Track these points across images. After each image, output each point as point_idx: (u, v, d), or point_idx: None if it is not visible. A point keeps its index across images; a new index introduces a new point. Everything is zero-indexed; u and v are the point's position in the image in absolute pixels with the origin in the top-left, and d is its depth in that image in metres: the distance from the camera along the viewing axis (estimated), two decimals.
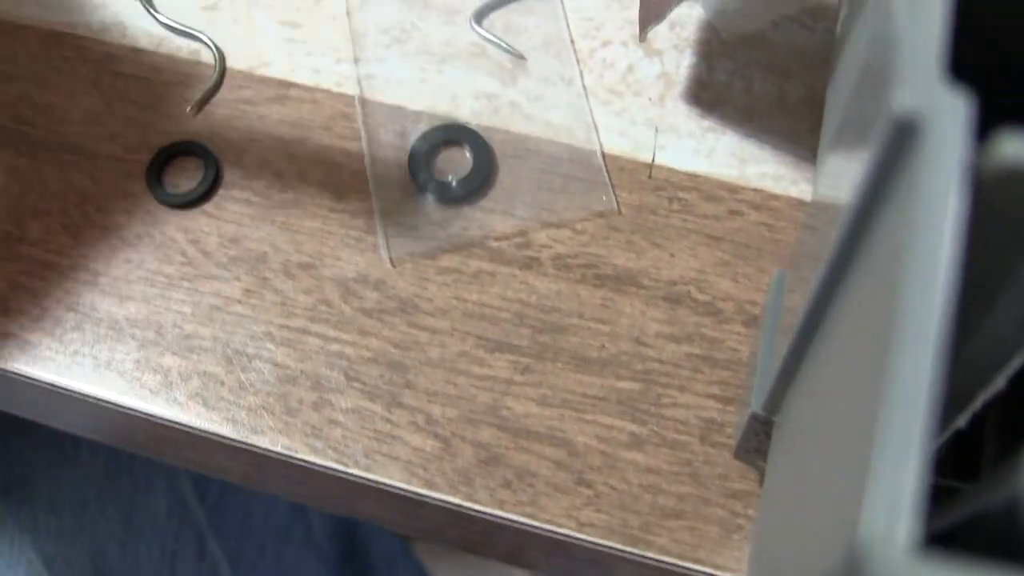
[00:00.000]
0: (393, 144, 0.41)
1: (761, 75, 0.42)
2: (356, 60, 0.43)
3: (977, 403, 0.25)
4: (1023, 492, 0.19)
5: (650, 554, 0.35)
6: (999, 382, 0.24)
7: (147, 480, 0.67)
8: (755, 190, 0.40)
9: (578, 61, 0.43)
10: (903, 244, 0.16)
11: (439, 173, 0.41)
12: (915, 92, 0.17)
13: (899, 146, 0.17)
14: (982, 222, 0.17)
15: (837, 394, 0.22)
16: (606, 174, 0.40)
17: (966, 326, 0.22)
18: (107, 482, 0.67)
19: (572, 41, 0.43)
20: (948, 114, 0.17)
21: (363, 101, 0.42)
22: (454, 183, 0.40)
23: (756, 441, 0.32)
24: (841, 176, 0.24)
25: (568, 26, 0.44)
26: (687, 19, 0.44)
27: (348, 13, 0.44)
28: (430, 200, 0.40)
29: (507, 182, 0.40)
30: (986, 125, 0.18)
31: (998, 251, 0.19)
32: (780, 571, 0.25)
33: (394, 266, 0.39)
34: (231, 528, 0.68)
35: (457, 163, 0.41)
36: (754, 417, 0.31)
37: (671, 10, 0.38)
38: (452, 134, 0.41)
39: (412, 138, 0.41)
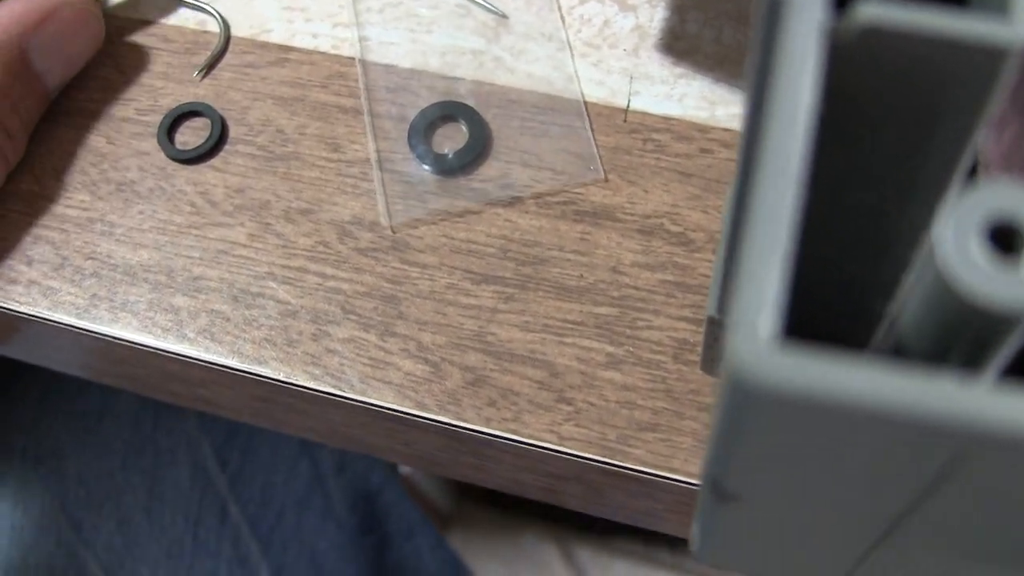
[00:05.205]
0: (389, 99, 0.44)
1: (730, 25, 0.45)
2: (353, 24, 0.46)
3: (902, 287, 0.27)
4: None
5: (628, 464, 0.38)
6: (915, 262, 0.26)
7: (170, 451, 0.71)
8: (725, 129, 0.42)
9: (562, 17, 0.45)
10: (770, 98, 0.19)
11: (436, 145, 0.44)
12: None
13: (771, 23, 0.20)
14: (841, 93, 0.20)
15: None
16: (587, 121, 0.43)
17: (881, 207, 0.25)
18: (131, 453, 0.70)
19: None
20: None
21: (361, 62, 0.45)
22: (450, 154, 0.43)
23: (717, 349, 0.35)
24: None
25: None
26: None
27: None
28: (427, 159, 0.43)
29: (499, 139, 0.43)
30: None
31: (858, 127, 0.21)
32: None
33: (394, 232, 0.42)
34: (252, 495, 0.71)
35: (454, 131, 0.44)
36: (710, 321, 0.33)
37: None
38: (450, 109, 0.44)
39: (409, 103, 0.44)
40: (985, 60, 0.20)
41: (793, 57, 0.20)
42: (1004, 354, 0.19)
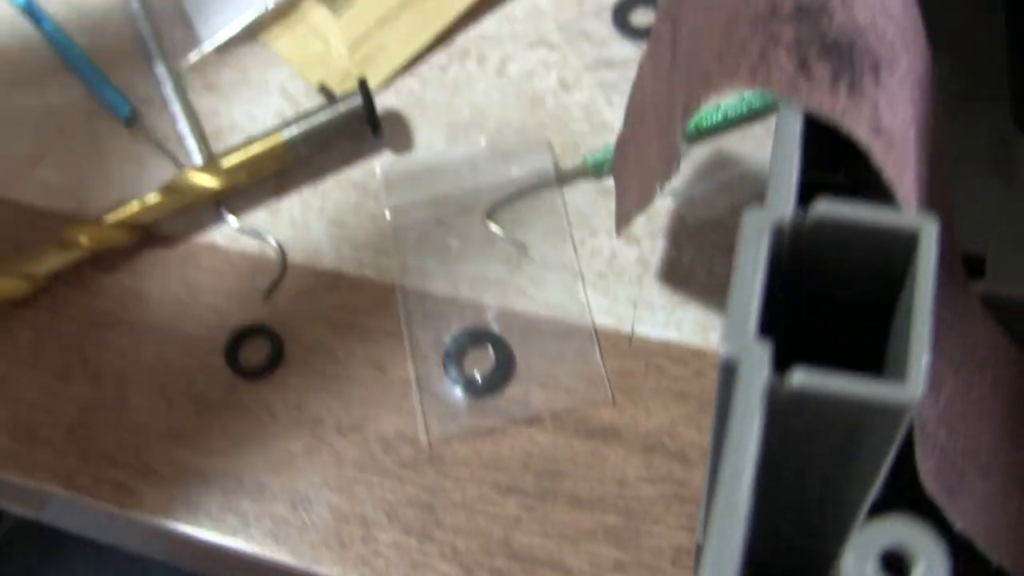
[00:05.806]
0: (425, 325, 0.51)
1: (720, 256, 0.52)
2: (392, 253, 0.53)
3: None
4: None
5: None
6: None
7: None
8: (716, 354, 0.49)
9: (575, 249, 0.53)
10: (723, 448, 0.26)
11: (467, 368, 0.50)
12: (734, 343, 0.26)
13: (729, 380, 0.27)
14: (782, 431, 0.27)
15: None
16: (597, 347, 0.50)
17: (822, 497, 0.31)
18: None
19: (571, 232, 0.53)
20: (755, 357, 0.26)
21: (401, 289, 0.52)
22: (479, 379, 0.50)
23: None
24: None
25: (568, 219, 0.54)
26: (661, 209, 0.53)
27: (387, 214, 0.55)
28: (459, 382, 0.50)
29: (521, 363, 0.50)
30: (797, 359, 0.27)
31: (797, 453, 0.28)
32: None
33: (431, 447, 0.49)
34: None
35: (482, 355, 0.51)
36: (698, 547, 0.39)
37: (638, 214, 0.47)
38: (479, 336, 0.51)
39: (443, 328, 0.51)
40: (889, 414, 0.27)
41: (744, 411, 0.26)
42: None
